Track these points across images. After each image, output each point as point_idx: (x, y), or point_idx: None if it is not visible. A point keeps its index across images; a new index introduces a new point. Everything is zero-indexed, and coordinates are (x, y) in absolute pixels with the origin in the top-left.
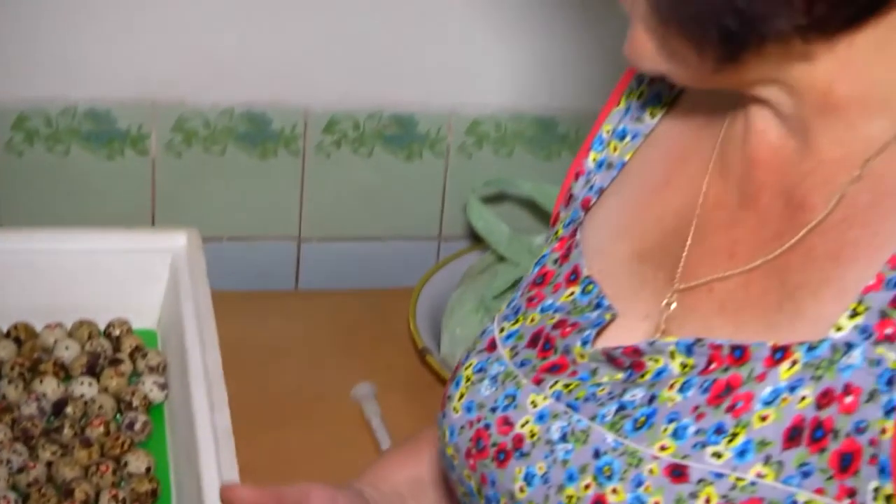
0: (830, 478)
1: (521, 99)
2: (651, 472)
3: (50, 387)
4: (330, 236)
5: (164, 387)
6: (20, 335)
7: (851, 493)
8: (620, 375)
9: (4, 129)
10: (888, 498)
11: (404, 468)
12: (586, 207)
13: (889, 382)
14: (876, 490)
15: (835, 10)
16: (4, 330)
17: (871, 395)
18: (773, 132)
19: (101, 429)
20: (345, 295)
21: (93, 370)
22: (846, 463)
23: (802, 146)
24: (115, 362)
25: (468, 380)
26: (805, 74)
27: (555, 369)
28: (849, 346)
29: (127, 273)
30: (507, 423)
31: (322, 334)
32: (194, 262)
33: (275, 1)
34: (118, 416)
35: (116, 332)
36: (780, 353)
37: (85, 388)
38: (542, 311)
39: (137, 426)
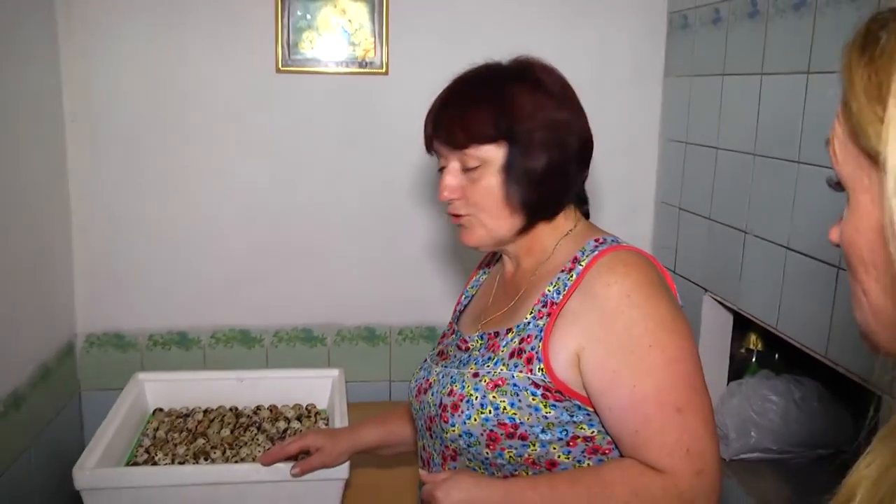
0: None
1: None
2: (464, 376)
3: None
4: None
5: None
6: None
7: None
8: (463, 354)
9: None
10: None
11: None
12: (461, 310)
13: (540, 329)
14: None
15: (533, 216)
16: None
17: (537, 335)
18: (510, 265)
19: None
20: None
21: None
22: (531, 360)
23: (519, 266)
24: None
25: (413, 375)
26: (521, 241)
27: (444, 358)
28: (527, 323)
29: None
30: (426, 379)
31: None
32: None
33: None
34: None
35: None
36: (507, 330)
37: None
38: (444, 346)
39: None
